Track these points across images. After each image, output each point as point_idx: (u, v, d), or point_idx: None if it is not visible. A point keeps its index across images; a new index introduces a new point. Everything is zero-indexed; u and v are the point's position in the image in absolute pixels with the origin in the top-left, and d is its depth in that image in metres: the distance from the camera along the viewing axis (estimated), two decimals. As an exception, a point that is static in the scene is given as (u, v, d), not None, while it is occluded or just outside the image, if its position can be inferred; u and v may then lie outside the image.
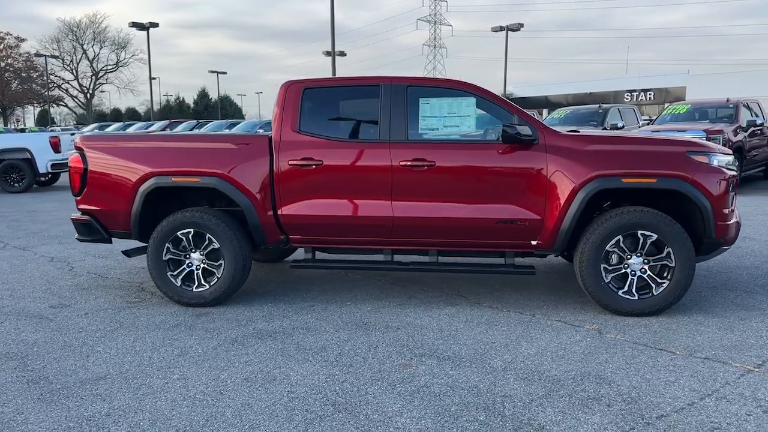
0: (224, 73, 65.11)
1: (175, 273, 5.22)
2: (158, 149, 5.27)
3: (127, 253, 5.65)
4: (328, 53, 48.28)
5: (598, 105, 17.74)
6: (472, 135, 5.03)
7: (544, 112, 44.37)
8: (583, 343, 4.22)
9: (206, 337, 4.49)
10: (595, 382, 3.57)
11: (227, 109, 73.71)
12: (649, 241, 4.65)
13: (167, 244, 5.18)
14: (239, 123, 27.65)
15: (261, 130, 23.46)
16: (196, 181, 5.12)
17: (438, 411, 3.25)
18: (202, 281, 5.19)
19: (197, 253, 5.19)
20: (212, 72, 63.44)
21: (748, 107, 13.44)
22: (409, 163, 4.88)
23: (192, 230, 5.13)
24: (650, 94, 47.99)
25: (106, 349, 4.27)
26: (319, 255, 5.49)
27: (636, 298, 4.71)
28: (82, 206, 5.39)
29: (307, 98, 5.16)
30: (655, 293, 4.69)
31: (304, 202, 5.06)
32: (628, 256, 4.72)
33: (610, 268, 4.74)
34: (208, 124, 29.30)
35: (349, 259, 5.40)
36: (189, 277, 5.23)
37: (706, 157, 4.71)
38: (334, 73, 32.18)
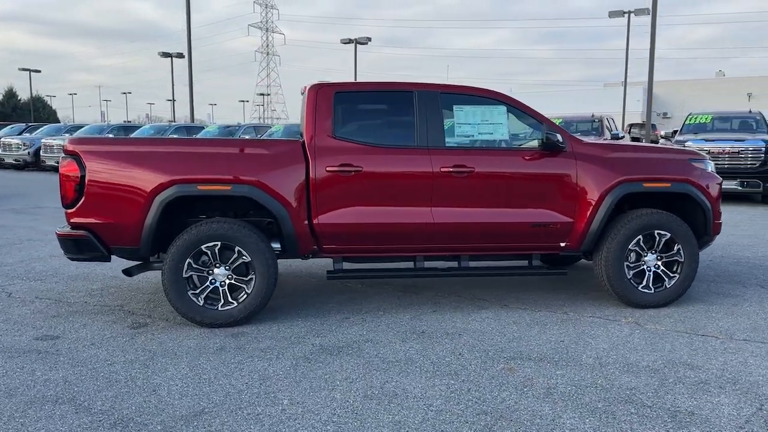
0: (38, 71, 58.55)
1: (197, 291, 4.71)
2: (180, 154, 4.71)
3: (129, 272, 4.98)
4: (165, 54, 45.86)
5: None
6: (506, 142, 5.19)
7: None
8: (636, 335, 4.56)
9: (270, 358, 4.12)
10: (687, 368, 3.91)
11: (40, 112, 66.29)
12: (663, 240, 5.16)
13: (188, 260, 4.66)
14: (84, 126, 25.04)
15: (111, 135, 21.58)
16: (226, 189, 4.67)
17: (589, 410, 3.34)
18: (229, 298, 4.74)
19: (221, 268, 4.73)
20: (24, 70, 56.67)
21: (610, 121, 15.17)
22: (450, 170, 4.91)
23: (219, 243, 4.67)
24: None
25: (166, 381, 3.75)
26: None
27: (653, 291, 5.20)
28: (76, 219, 4.64)
29: (339, 102, 4.96)
30: (668, 286, 5.21)
31: (343, 210, 4.85)
32: (645, 254, 5.19)
33: (631, 265, 5.18)
34: (41, 129, 26.10)
35: (380, 267, 5.27)
36: (210, 296, 4.75)
37: (703, 164, 5.35)
38: (190, 75, 30.50)
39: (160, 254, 4.95)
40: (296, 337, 4.55)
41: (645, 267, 5.19)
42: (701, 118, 14.38)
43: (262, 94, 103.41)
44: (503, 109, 5.14)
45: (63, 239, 4.72)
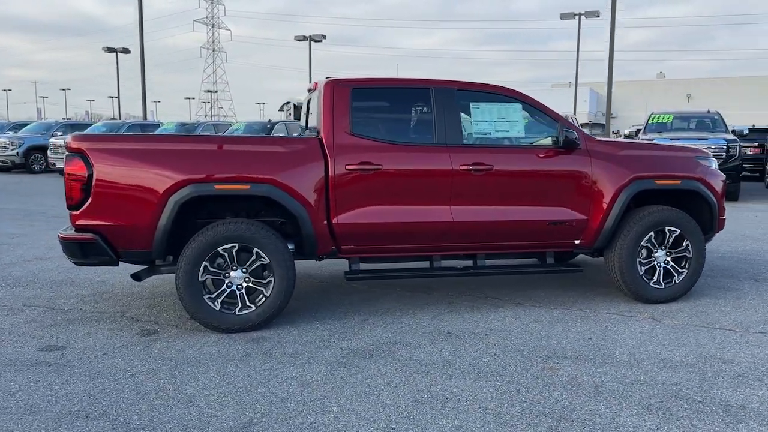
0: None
1: (214, 295, 4.50)
2: (195, 152, 4.48)
3: (138, 277, 4.71)
4: (110, 49, 44.31)
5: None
6: (522, 139, 5.17)
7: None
8: (658, 330, 4.61)
9: (301, 363, 3.97)
10: (720, 362, 3.97)
11: (-27, 109, 63.01)
12: (673, 236, 5.25)
13: (204, 263, 4.44)
14: (29, 124, 23.78)
15: (60, 132, 20.63)
16: (244, 188, 4.47)
17: (643, 407, 3.33)
18: (247, 302, 4.55)
19: (238, 270, 4.53)
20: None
21: (574, 120, 15.51)
22: (470, 167, 4.85)
23: (237, 245, 4.47)
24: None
25: (200, 391, 3.55)
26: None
27: (663, 287, 5.28)
28: (82, 222, 4.36)
29: (356, 99, 4.83)
30: (677, 281, 5.30)
31: (362, 209, 4.73)
32: (655, 250, 5.27)
33: (643, 261, 5.25)
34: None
35: (399, 267, 5.17)
36: (227, 300, 4.55)
37: (707, 161, 5.47)
38: (143, 70, 29.49)
39: (166, 257, 4.70)
40: (320, 340, 4.40)
41: (656, 263, 5.27)
42: (663, 118, 14.76)
43: (210, 91, 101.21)
44: (518, 106, 5.12)
45: (67, 243, 4.43)
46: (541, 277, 6.18)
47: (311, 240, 4.64)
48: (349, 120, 4.76)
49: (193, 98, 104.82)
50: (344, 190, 4.68)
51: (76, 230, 4.41)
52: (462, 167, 4.84)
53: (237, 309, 4.53)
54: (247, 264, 4.53)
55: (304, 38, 41.42)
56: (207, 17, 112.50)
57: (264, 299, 4.56)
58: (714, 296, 5.54)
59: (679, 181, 5.25)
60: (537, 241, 5.13)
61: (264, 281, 4.56)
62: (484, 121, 5.06)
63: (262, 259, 4.52)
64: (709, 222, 5.42)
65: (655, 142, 9.70)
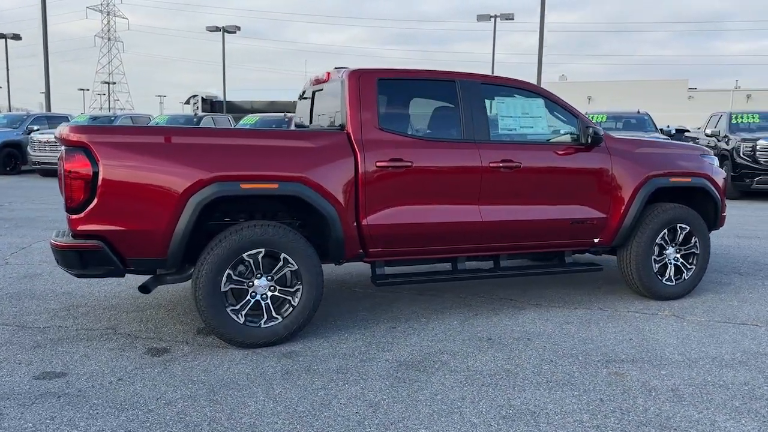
0: None
1: (237, 307, 4.03)
2: (219, 147, 3.97)
3: (146, 289, 4.14)
4: (-1, 36, 40.65)
5: (283, 114, 18.97)
6: (546, 136, 5.02)
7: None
8: (689, 328, 4.61)
9: (354, 380, 3.60)
10: (767, 358, 4.01)
11: None
12: (683, 233, 5.30)
13: (228, 271, 3.96)
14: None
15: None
16: (272, 187, 4.02)
17: (732, 409, 3.26)
18: (273, 313, 4.11)
19: (263, 278, 4.08)
20: None
21: None
22: (499, 165, 4.65)
23: (263, 250, 4.02)
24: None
25: (260, 419, 3.11)
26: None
27: (674, 283, 5.33)
28: (85, 227, 3.74)
29: (382, 91, 4.49)
30: (686, 278, 5.37)
31: (393, 209, 4.41)
32: (666, 247, 5.31)
33: (657, 258, 5.26)
34: None
35: (427, 271, 4.89)
36: (250, 311, 4.09)
37: (710, 159, 5.58)
38: (47, 61, 27.12)
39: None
40: (359, 353, 4.04)
41: (667, 260, 5.31)
42: (596, 118, 15.24)
43: (107, 83, 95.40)
44: (541, 101, 4.98)
45: (64, 251, 3.79)
46: (545, 277, 6.10)
47: (339, 243, 4.26)
48: (377, 113, 4.41)
49: (88, 90, 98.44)
50: (374, 189, 4.33)
51: (75, 236, 3.79)
52: (491, 164, 4.62)
53: (262, 321, 4.08)
54: (274, 271, 4.09)
55: (217, 29, 39.88)
56: (102, 4, 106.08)
57: (291, 309, 4.14)
58: (713, 291, 5.66)
59: (689, 179, 5.31)
60: (559, 240, 5.02)
61: (292, 290, 4.14)
62: (509, 117, 4.88)
63: (290, 265, 4.10)
64: (713, 219, 5.54)
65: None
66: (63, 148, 3.78)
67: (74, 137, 3.71)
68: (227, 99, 46.46)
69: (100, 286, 5.61)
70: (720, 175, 5.55)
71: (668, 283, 5.30)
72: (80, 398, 3.33)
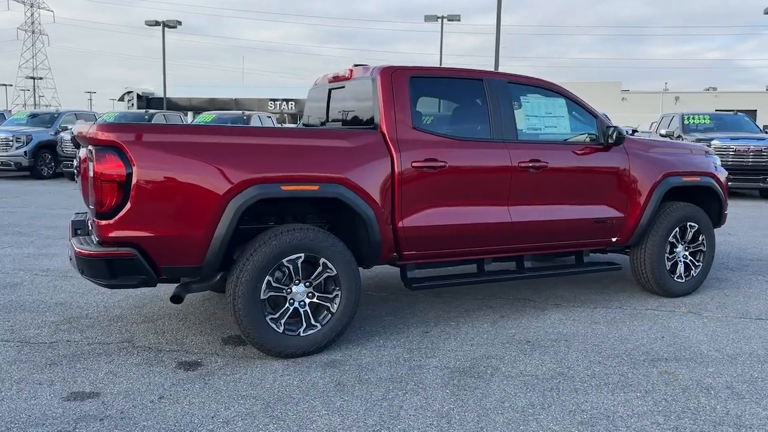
0: None
1: (277, 315, 3.81)
2: (260, 147, 3.73)
3: (179, 298, 3.85)
4: None
5: (242, 111, 18.64)
6: (568, 135, 5.01)
7: (190, 115, 43.17)
8: (712, 324, 4.70)
9: (413, 389, 3.46)
10: (800, 353, 4.12)
11: None
12: (692, 231, 5.42)
13: (267, 278, 3.74)
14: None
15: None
16: (312, 189, 3.83)
17: (792, 405, 3.33)
18: (312, 321, 3.92)
19: (300, 285, 3.89)
20: None
21: None
22: (528, 165, 4.60)
23: (302, 255, 3.82)
24: (292, 104, 51.25)
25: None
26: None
27: (684, 280, 5.44)
28: (118, 233, 3.44)
29: (415, 89, 4.36)
30: (694, 274, 5.49)
31: (428, 210, 4.29)
32: (677, 245, 5.41)
33: (669, 256, 5.36)
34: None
35: (459, 273, 4.78)
36: (288, 320, 3.89)
37: (714, 159, 5.73)
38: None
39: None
40: (404, 360, 3.90)
41: (677, 258, 5.41)
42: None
43: (32, 78, 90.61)
44: (563, 101, 4.97)
45: (92, 260, 3.47)
46: (552, 277, 6.10)
47: (376, 246, 4.10)
48: (410, 112, 4.28)
49: (11, 85, 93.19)
50: (409, 190, 4.20)
51: (104, 243, 3.48)
52: (521, 164, 4.57)
53: (301, 330, 3.88)
54: (312, 277, 3.90)
55: (156, 23, 38.42)
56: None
57: (329, 317, 3.96)
58: (714, 287, 5.81)
59: (699, 178, 5.43)
60: (581, 239, 5.02)
61: (330, 296, 3.95)
62: (535, 116, 4.85)
63: (329, 270, 3.91)
64: (717, 217, 5.69)
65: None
66: (90, 148, 3.46)
67: (105, 136, 3.40)
68: (165, 96, 44.95)
69: (93, 295, 5.23)
70: (723, 175, 5.70)
71: (679, 280, 5.41)
72: (126, 420, 3.06)
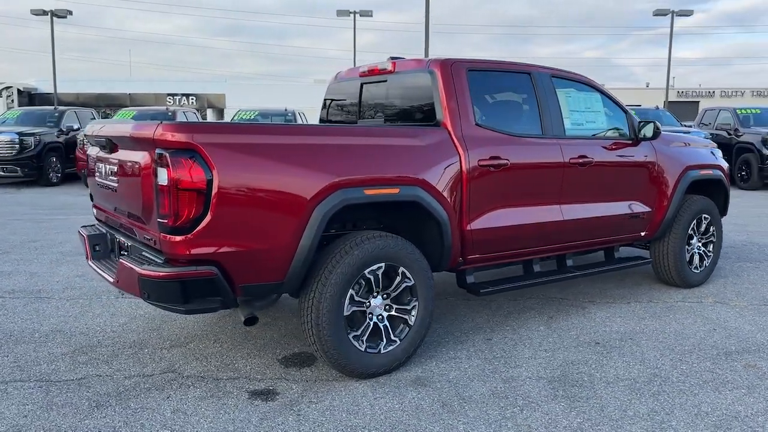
0: None
1: (359, 332, 3.45)
2: (342, 147, 3.34)
3: (253, 320, 3.36)
4: None
5: (165, 107, 17.93)
6: (605, 131, 4.95)
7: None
8: (743, 314, 4.80)
9: (525, 405, 3.24)
10: None
11: None
12: (705, 223, 5.57)
13: (351, 291, 3.37)
14: None
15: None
16: (393, 192, 3.49)
17: None
18: (392, 336, 3.59)
19: (378, 297, 3.55)
20: None
21: (302, 116, 16.54)
22: (577, 161, 4.50)
23: (383, 265, 3.48)
24: (192, 99, 49.22)
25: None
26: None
27: (699, 271, 5.58)
28: (197, 250, 2.94)
29: (473, 83, 4.12)
30: (707, 264, 5.65)
31: (493, 211, 4.07)
32: (693, 237, 5.53)
33: (688, 248, 5.46)
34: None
35: (520, 276, 4.57)
36: (371, 335, 3.54)
37: (718, 152, 5.91)
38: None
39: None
40: (491, 372, 3.66)
41: (694, 249, 5.54)
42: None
43: None
44: (598, 96, 4.91)
45: (165, 283, 2.95)
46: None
47: (447, 251, 3.83)
48: (472, 107, 4.04)
49: None
50: (477, 190, 3.96)
51: (176, 262, 2.98)
52: (571, 161, 4.46)
53: (382, 346, 3.54)
54: (391, 288, 3.57)
55: (44, 12, 35.35)
56: None
57: (407, 330, 3.64)
58: (720, 276, 5.98)
59: (711, 171, 5.58)
60: (616, 235, 4.99)
61: (408, 307, 3.64)
62: (576, 111, 4.74)
63: (407, 280, 3.60)
64: (723, 208, 5.88)
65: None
66: (159, 151, 2.93)
67: (179, 137, 2.89)
68: (49, 91, 41.41)
69: (89, 318, 4.60)
70: (726, 167, 5.90)
71: (695, 271, 5.54)
72: (237, 469, 2.61)
